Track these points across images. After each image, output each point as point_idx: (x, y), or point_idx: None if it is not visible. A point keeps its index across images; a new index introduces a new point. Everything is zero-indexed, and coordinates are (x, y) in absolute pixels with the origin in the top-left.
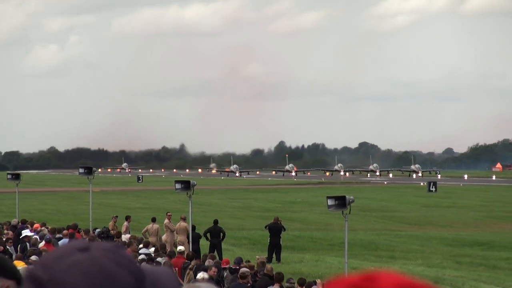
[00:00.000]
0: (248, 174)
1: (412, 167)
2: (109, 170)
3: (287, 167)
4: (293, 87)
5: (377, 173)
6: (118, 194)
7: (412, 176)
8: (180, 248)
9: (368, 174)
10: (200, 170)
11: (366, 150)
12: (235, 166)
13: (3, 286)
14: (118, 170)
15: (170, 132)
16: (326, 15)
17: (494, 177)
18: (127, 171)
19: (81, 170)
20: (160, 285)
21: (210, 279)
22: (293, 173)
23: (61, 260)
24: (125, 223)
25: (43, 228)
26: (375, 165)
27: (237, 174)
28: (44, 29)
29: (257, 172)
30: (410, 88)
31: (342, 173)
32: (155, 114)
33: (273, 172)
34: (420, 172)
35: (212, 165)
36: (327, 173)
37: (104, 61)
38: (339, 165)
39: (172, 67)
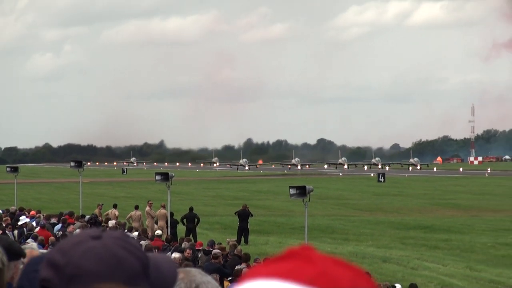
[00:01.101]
0: (257, 167)
1: (411, 160)
2: (97, 163)
3: (293, 161)
4: (261, 90)
5: (379, 166)
6: (105, 185)
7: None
8: (158, 232)
9: (365, 167)
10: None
11: (323, 146)
12: (244, 160)
13: (17, 267)
14: (127, 163)
15: (151, 129)
16: (291, 27)
17: (435, 169)
18: (135, 164)
19: (72, 164)
20: (161, 268)
21: (185, 259)
22: (299, 167)
23: (77, 246)
24: (115, 210)
25: (38, 215)
26: (377, 158)
27: (247, 168)
28: (41, 39)
29: (273, 166)
30: (363, 91)
31: (346, 166)
32: (138, 114)
33: (282, 165)
34: (418, 165)
35: (215, 159)
36: (337, 166)
37: (94, 68)
38: (343, 158)
39: (155, 73)
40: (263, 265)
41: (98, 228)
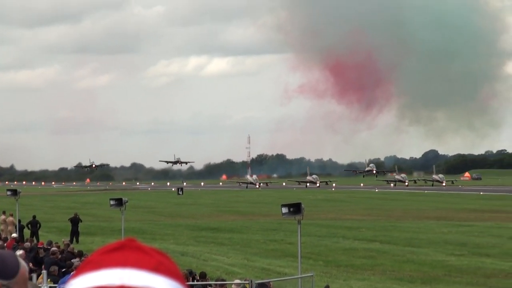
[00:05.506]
0: (267, 185)
1: (309, 178)
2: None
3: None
4: (90, 124)
5: (256, 186)
6: None
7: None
8: (14, 235)
9: (247, 186)
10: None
11: (136, 168)
12: (254, 177)
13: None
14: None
15: (4, 156)
16: (115, 77)
17: (220, 184)
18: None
19: None
20: (5, 261)
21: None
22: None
23: None
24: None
25: None
26: (254, 177)
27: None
28: None
29: (98, 183)
30: (169, 125)
31: (253, 180)
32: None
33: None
34: (318, 182)
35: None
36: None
37: None
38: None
39: (8, 112)
40: (103, 255)
41: None
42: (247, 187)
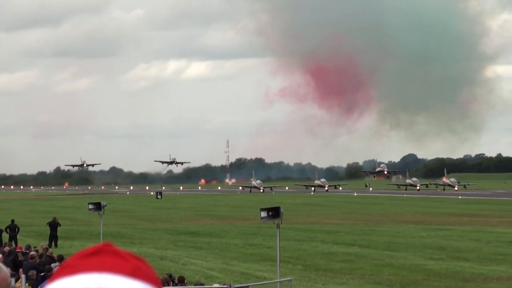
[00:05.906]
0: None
1: (317, 182)
2: None
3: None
4: (69, 128)
5: (260, 190)
6: None
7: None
8: None
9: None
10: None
11: (115, 172)
12: (258, 181)
13: None
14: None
15: None
16: (94, 81)
17: (199, 188)
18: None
19: None
20: None
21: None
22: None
23: None
24: None
25: None
26: (258, 181)
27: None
28: None
29: (76, 187)
30: (148, 129)
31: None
32: None
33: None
34: (326, 186)
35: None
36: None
37: None
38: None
39: None
40: (80, 260)
41: None
42: (250, 191)
